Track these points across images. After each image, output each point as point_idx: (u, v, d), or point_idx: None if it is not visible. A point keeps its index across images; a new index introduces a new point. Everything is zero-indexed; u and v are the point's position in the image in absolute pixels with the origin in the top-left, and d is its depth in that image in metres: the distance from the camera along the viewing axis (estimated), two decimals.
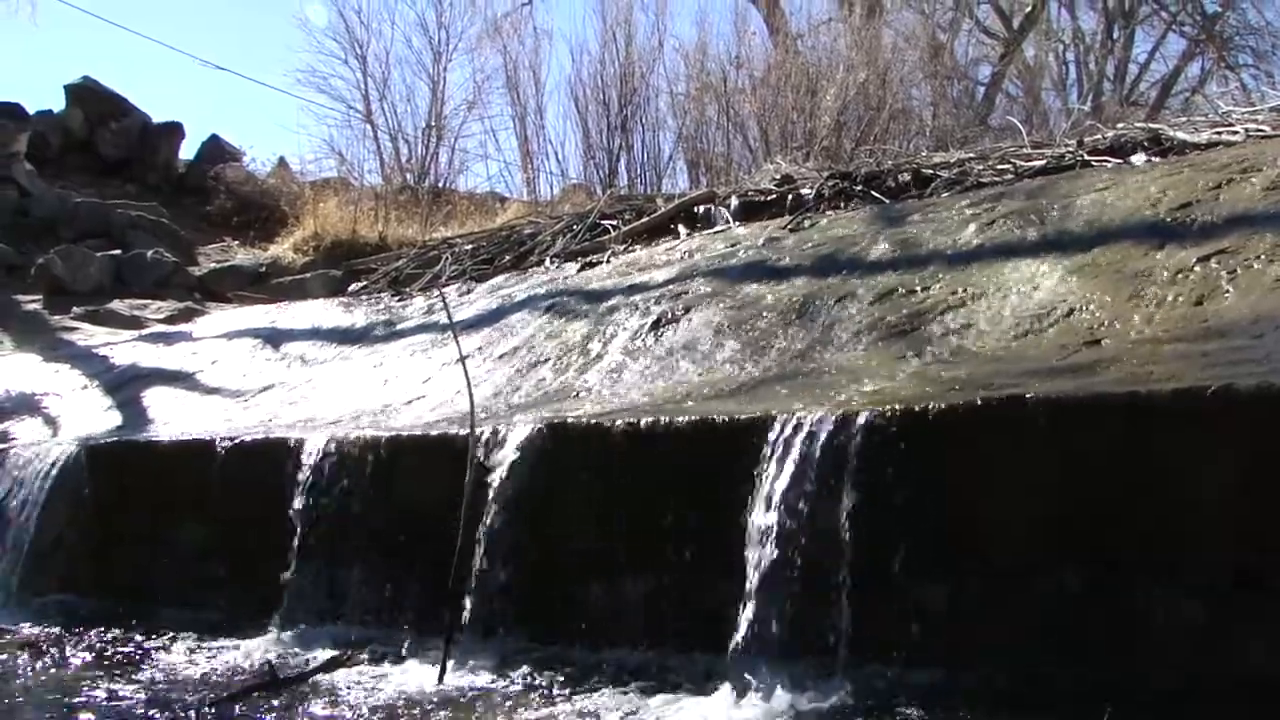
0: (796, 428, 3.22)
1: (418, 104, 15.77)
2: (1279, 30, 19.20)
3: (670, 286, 6.06)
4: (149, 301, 10.31)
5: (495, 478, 3.77)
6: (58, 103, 15.25)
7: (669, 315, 5.57)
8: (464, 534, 3.68)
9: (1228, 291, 3.94)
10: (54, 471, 4.95)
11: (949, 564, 3.02)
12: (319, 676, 3.62)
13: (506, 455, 3.79)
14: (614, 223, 8.53)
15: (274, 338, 7.72)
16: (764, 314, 5.21)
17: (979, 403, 3.05)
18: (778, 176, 8.66)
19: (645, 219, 8.38)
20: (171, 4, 35.31)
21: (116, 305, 10.08)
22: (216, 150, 15.73)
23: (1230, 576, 2.67)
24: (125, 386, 7.12)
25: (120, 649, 4.11)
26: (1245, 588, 2.64)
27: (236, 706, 3.34)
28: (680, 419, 3.55)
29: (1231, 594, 2.66)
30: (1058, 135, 8.70)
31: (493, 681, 3.45)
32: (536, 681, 3.41)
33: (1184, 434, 2.75)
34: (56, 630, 4.38)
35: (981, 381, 3.49)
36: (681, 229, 7.95)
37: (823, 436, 3.16)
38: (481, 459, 3.81)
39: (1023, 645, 2.92)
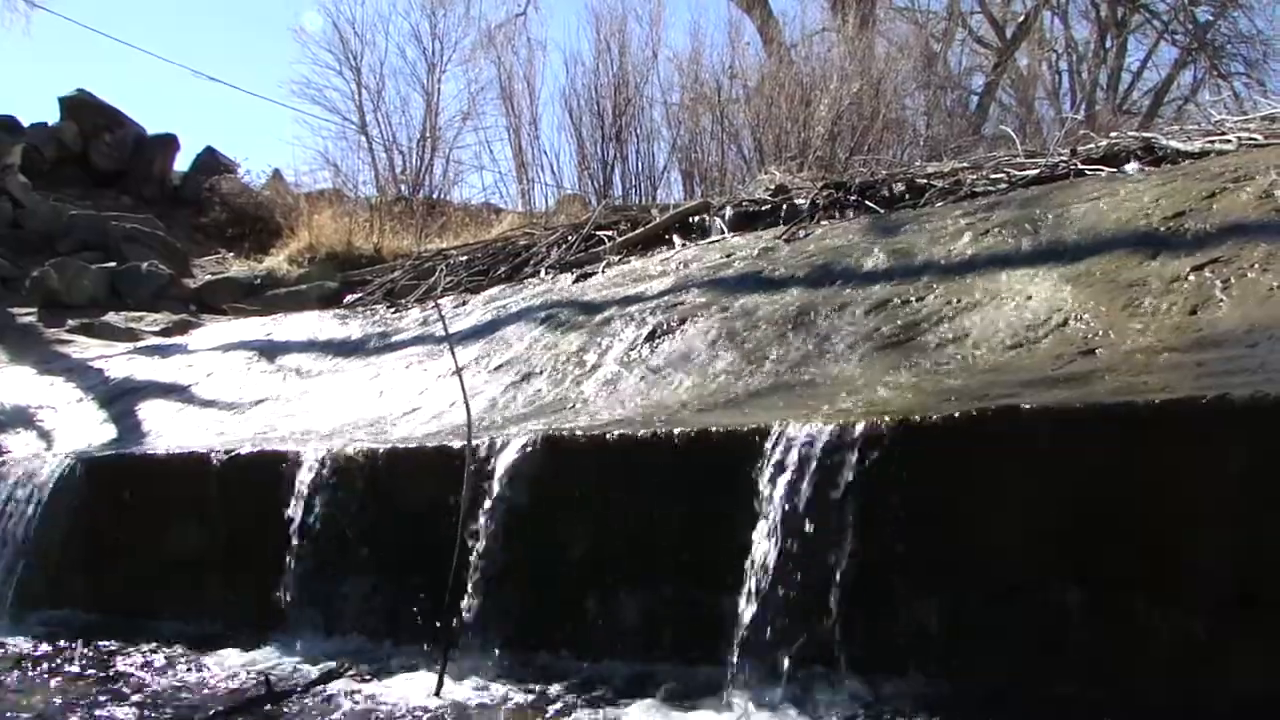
0: (793, 439, 3.22)
1: (412, 115, 15.84)
2: (1270, 39, 19.34)
3: (665, 297, 6.07)
4: (144, 314, 10.31)
5: (492, 489, 3.77)
6: (52, 115, 15.31)
7: (664, 326, 5.57)
8: (461, 545, 3.68)
9: (1222, 301, 3.96)
10: (49, 485, 4.94)
11: (947, 575, 3.02)
12: (316, 689, 3.61)
13: (503, 467, 3.79)
14: (609, 233, 8.54)
15: (269, 350, 7.71)
16: (759, 325, 5.21)
17: (974, 413, 3.06)
18: (772, 186, 8.69)
19: (640, 230, 8.39)
20: (166, 16, 35.41)
21: (112, 318, 10.08)
22: (211, 162, 15.77)
23: (1228, 589, 2.67)
24: (120, 399, 7.11)
25: (115, 662, 4.09)
26: (1244, 601, 2.65)
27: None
28: (676, 430, 3.55)
29: (1230, 607, 2.66)
30: (1051, 144, 8.75)
31: (490, 694, 3.45)
32: (534, 693, 3.40)
33: (1179, 444, 2.76)
34: (51, 644, 4.37)
35: (976, 392, 3.50)
36: (676, 239, 7.96)
37: (819, 447, 3.16)
38: (478, 471, 3.81)
39: (1021, 658, 2.92)
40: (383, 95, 15.88)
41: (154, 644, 4.29)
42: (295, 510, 4.22)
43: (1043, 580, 2.91)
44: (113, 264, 11.37)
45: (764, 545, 3.15)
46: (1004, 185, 6.79)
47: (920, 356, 4.37)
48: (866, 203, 7.35)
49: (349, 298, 9.69)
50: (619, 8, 14.46)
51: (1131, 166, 6.39)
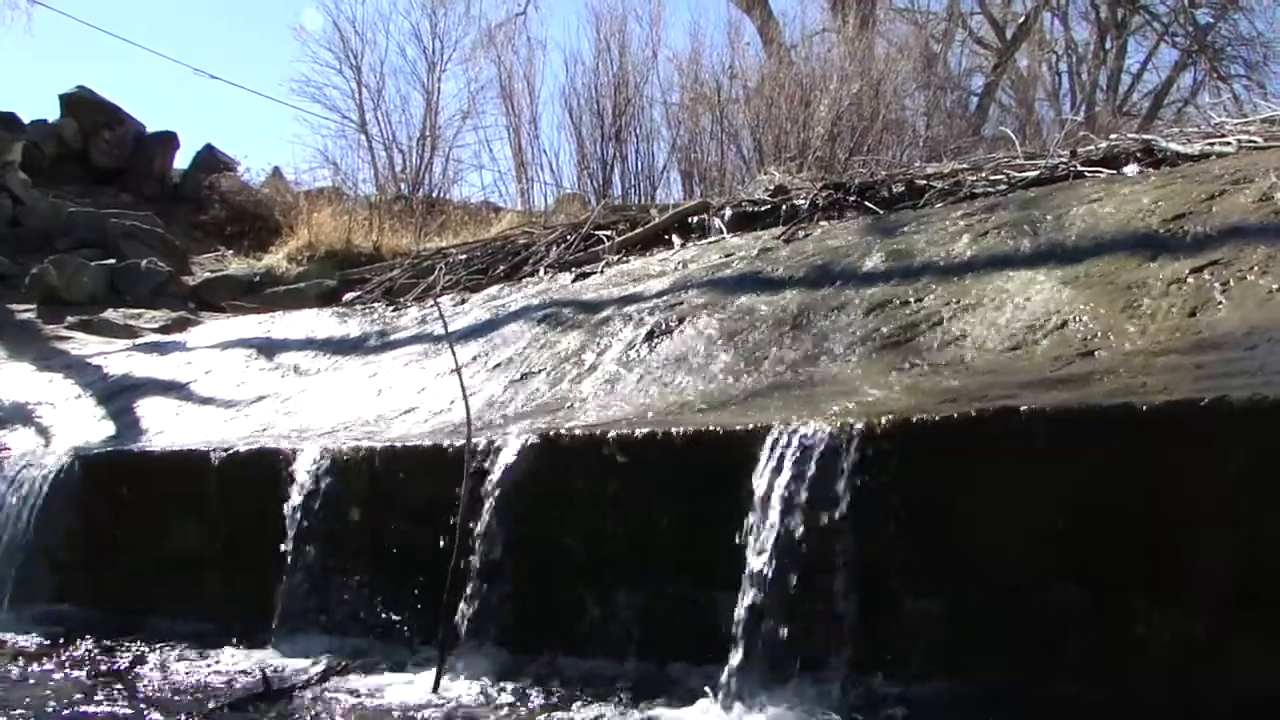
0: (791, 439, 3.22)
1: (412, 114, 15.83)
2: (1270, 41, 19.37)
3: (664, 297, 6.06)
4: (143, 311, 10.30)
5: (490, 488, 3.77)
6: (52, 112, 15.29)
7: (663, 326, 5.57)
8: (459, 544, 3.68)
9: (1221, 303, 3.96)
10: (48, 481, 4.94)
11: (946, 576, 3.02)
12: (314, 687, 3.61)
13: (501, 466, 3.79)
14: (608, 233, 8.52)
15: (268, 347, 7.71)
16: (758, 325, 5.21)
17: (973, 414, 3.06)
18: (771, 187, 8.67)
19: (639, 229, 8.37)
20: (167, 14, 35.39)
21: (110, 315, 10.07)
22: (211, 160, 15.75)
23: (1229, 589, 2.68)
24: (119, 396, 7.10)
25: (113, 659, 4.09)
26: (1244, 601, 2.65)
27: (231, 717, 3.33)
28: (674, 430, 3.55)
29: (1230, 607, 2.67)
30: (1051, 146, 8.74)
31: (488, 693, 3.45)
32: (532, 693, 3.41)
33: (1178, 445, 2.76)
34: (50, 640, 4.37)
35: (975, 393, 3.50)
36: (676, 239, 7.96)
37: (818, 448, 3.16)
38: (476, 469, 3.81)
39: (1021, 658, 2.92)
40: (383, 94, 15.90)
41: (152, 641, 4.29)
42: (293, 508, 4.22)
43: (1043, 580, 2.91)
44: (112, 261, 11.36)
45: (763, 545, 3.15)
46: (1003, 186, 6.79)
47: (919, 357, 4.37)
48: (866, 203, 7.35)
49: (348, 296, 9.67)
50: (619, 7, 14.45)
51: (1131, 168, 6.39)
